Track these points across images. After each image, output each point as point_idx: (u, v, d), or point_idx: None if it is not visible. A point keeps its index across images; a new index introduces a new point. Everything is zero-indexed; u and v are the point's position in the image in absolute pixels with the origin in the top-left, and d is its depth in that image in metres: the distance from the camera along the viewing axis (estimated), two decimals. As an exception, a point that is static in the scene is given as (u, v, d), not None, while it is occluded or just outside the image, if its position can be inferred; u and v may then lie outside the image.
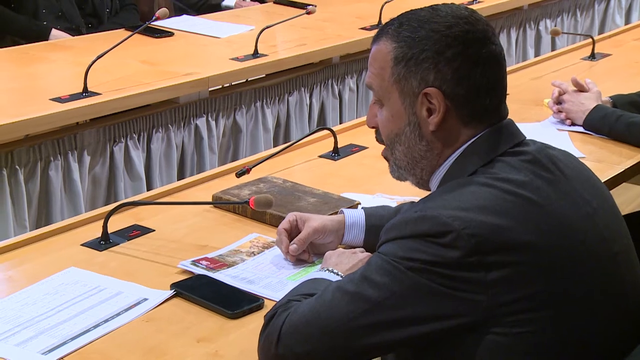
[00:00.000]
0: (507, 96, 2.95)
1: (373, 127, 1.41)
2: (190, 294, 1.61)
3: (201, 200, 2.06)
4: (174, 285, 1.64)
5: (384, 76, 1.35)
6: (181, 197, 2.09)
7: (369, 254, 1.58)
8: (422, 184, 1.40)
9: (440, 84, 1.30)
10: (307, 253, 1.76)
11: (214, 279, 1.68)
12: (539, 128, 2.57)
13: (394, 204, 1.94)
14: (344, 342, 1.26)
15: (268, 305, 1.58)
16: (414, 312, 1.22)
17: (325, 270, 1.52)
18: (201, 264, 1.73)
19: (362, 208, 1.82)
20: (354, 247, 1.73)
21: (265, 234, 1.88)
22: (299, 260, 1.76)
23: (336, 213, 1.86)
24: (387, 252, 1.26)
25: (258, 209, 1.85)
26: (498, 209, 1.23)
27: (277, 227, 1.80)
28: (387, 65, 1.34)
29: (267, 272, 1.72)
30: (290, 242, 1.76)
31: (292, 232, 1.77)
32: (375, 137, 1.43)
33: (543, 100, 2.79)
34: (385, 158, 1.42)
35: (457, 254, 1.21)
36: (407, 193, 1.48)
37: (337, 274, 1.50)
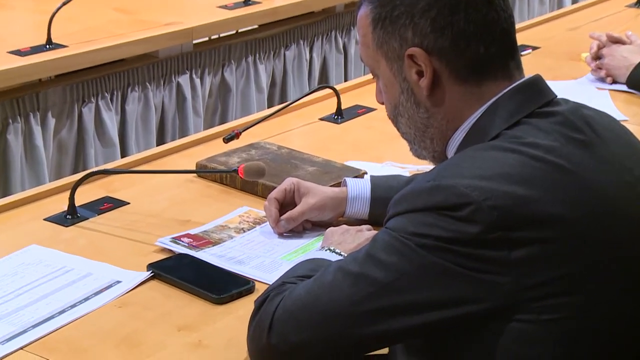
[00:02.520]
0: (538, 50, 2.95)
1: (382, 103, 1.44)
2: (169, 276, 1.62)
3: (183, 168, 2.06)
4: (151, 266, 1.64)
5: (368, 44, 1.37)
6: (160, 166, 2.10)
7: (376, 232, 1.58)
8: (438, 156, 1.41)
9: (420, 41, 1.31)
10: (300, 225, 1.79)
11: (197, 258, 1.68)
12: (575, 86, 2.57)
13: (406, 174, 1.95)
14: (345, 330, 1.26)
15: (259, 289, 1.58)
16: (426, 296, 1.23)
17: (325, 250, 1.53)
18: (182, 241, 1.74)
19: (369, 177, 1.84)
20: (358, 221, 1.76)
21: (256, 208, 1.89)
22: (294, 236, 1.78)
23: (339, 184, 1.87)
24: (396, 228, 1.26)
25: (248, 179, 1.85)
26: (524, 177, 1.23)
27: (270, 199, 1.83)
28: (368, 31, 1.37)
29: (259, 251, 1.73)
30: (282, 211, 1.78)
31: (286, 201, 1.79)
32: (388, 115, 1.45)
33: (580, 54, 2.79)
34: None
35: (477, 229, 1.21)
36: (422, 161, 1.48)
37: (340, 254, 1.51)
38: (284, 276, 1.41)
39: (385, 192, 1.76)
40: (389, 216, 1.29)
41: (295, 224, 1.78)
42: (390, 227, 1.28)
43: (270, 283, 1.42)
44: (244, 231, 1.80)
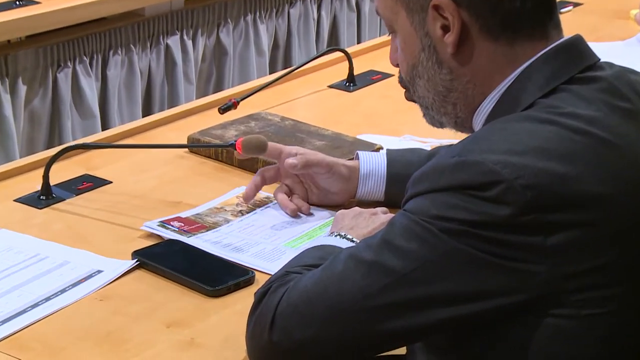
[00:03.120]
0: (580, 7, 2.93)
1: (396, 66, 1.45)
2: (157, 265, 1.62)
3: (173, 142, 2.07)
4: (136, 254, 1.65)
5: None
6: (147, 140, 2.11)
7: (393, 215, 1.58)
8: (461, 124, 1.41)
9: None
10: (305, 206, 1.81)
11: (189, 245, 1.68)
12: (622, 48, 2.56)
13: (427, 149, 1.95)
14: (357, 326, 1.27)
15: (260, 280, 1.59)
16: (449, 287, 1.24)
17: (335, 235, 1.53)
18: (172, 225, 1.75)
19: (385, 151, 1.85)
20: (372, 203, 1.77)
21: (256, 188, 1.90)
22: (299, 220, 1.79)
23: (352, 159, 1.88)
24: (416, 210, 1.26)
25: (247, 155, 1.86)
26: (562, 152, 1.23)
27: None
28: None
29: (259, 237, 1.74)
30: (287, 195, 1.81)
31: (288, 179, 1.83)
32: (398, 79, 1.46)
33: (629, 11, 2.78)
34: (412, 100, 1.45)
35: (507, 211, 1.21)
36: (445, 135, 1.49)
37: (351, 240, 1.52)
38: (288, 265, 1.42)
39: (403, 168, 1.76)
40: (408, 196, 1.30)
41: (304, 168, 1.79)
42: (409, 209, 1.27)
43: (273, 273, 1.42)
44: (242, 214, 1.81)
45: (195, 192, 1.89)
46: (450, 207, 1.24)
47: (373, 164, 1.80)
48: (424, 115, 1.45)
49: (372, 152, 1.84)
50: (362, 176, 1.80)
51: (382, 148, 2.00)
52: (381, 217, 1.63)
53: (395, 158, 1.81)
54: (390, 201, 1.77)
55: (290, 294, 1.32)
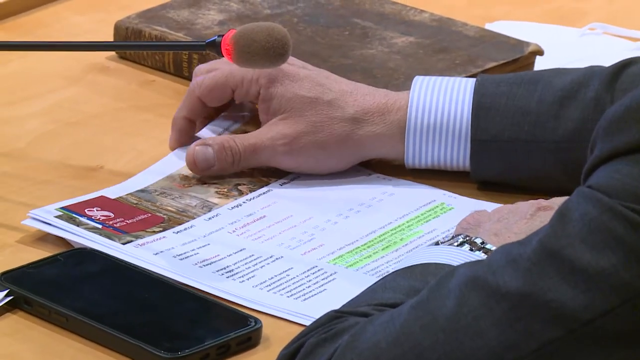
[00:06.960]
0: None
1: None
2: (53, 305, 1.64)
3: (84, 39, 2.10)
4: (8, 279, 1.70)
5: None
6: (29, 32, 2.14)
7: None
8: None
9: None
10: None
11: (121, 262, 1.72)
12: None
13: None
14: None
15: (276, 338, 1.64)
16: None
17: (461, 243, 1.65)
18: (89, 217, 1.76)
19: (479, 78, 1.87)
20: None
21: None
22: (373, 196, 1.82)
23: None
24: (613, 187, 1.34)
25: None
26: None
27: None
28: None
29: (278, 244, 1.77)
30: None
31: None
32: None
33: None
34: None
35: None
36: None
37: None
38: (348, 304, 1.51)
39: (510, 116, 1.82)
40: (595, 159, 1.38)
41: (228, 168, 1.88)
42: (599, 185, 1.35)
43: (307, 321, 1.55)
44: (241, 194, 1.83)
45: (135, 144, 1.92)
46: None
47: (437, 108, 1.87)
48: None
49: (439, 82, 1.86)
50: (412, 129, 1.92)
51: (539, 52, 2.04)
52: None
53: (488, 91, 1.86)
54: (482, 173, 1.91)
55: (344, 357, 1.37)
